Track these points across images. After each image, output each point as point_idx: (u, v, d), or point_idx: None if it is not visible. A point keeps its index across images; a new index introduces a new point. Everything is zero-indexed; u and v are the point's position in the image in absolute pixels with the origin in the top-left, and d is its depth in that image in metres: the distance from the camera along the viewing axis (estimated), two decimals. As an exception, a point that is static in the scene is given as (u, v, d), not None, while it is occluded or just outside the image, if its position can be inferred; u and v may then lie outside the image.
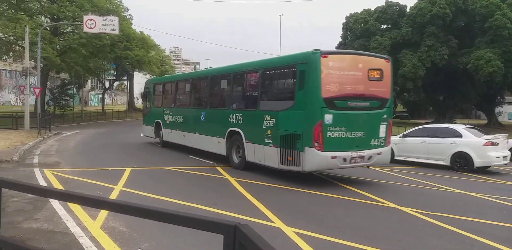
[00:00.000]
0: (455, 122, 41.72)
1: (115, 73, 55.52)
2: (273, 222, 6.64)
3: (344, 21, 47.69)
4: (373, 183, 11.00)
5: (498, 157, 13.25)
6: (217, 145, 13.04)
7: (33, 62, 30.09)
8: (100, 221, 6.42)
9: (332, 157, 9.20)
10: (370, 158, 9.86)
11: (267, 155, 10.47)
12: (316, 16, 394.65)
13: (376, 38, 41.32)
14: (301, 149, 9.22)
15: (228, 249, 1.56)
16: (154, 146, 18.92)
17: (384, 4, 45.07)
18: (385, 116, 10.08)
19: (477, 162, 13.28)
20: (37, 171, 11.20)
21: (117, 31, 27.86)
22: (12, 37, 32.10)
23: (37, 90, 25.32)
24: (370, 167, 11.27)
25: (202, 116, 14.21)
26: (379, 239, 6.10)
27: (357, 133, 9.54)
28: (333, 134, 9.17)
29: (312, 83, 9.05)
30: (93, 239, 5.59)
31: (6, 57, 35.93)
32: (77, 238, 5.64)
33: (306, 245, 5.53)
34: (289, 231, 6.18)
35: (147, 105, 20.06)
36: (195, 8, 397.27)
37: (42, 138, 20.59)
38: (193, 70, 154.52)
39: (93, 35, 31.24)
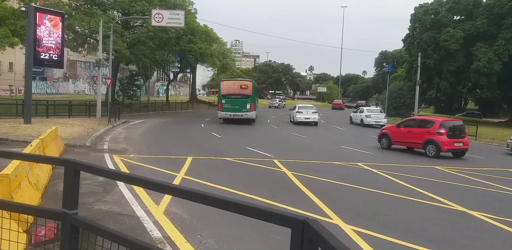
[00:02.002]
0: None
1: (179, 65, 57.38)
2: (331, 219, 6.51)
3: (413, 12, 45.37)
4: (439, 184, 10.42)
5: (300, 117, 29.96)
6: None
7: (105, 54, 32.02)
8: (163, 206, 6.70)
9: (225, 114, 27.01)
10: (242, 115, 26.78)
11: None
12: (382, 8, 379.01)
13: (448, 30, 38.84)
14: (218, 110, 28.22)
15: (296, 244, 1.52)
16: (214, 136, 19.42)
17: (458, -6, 42.09)
18: (249, 101, 26.94)
19: (294, 119, 30.45)
20: (107, 156, 11.94)
21: (182, 25, 28.75)
22: (87, 31, 34.31)
23: (109, 81, 26.94)
24: (436, 167, 12.69)
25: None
26: (445, 243, 5.77)
27: (235, 106, 26.71)
28: (225, 106, 26.97)
29: (220, 90, 28.01)
30: (156, 223, 5.85)
31: (82, 49, 38.42)
32: (142, 221, 5.93)
33: (366, 244, 5.36)
34: (347, 228, 6.03)
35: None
36: (257, 1, 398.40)
37: (111, 126, 21.92)
38: (253, 64, 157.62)
39: (160, 28, 32.50)
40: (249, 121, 27.96)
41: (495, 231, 6.52)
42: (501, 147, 22.01)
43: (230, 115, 26.80)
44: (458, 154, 16.29)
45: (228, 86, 27.62)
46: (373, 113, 32.28)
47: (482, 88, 43.50)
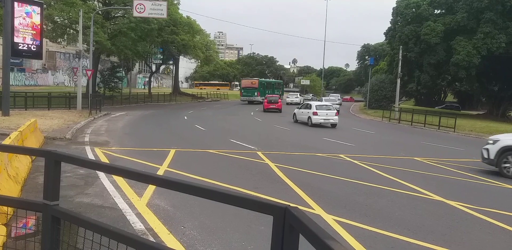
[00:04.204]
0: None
1: (162, 57, 56.70)
2: (313, 209, 6.62)
3: (395, 5, 45.77)
4: (418, 174, 10.67)
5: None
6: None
7: (85, 45, 31.38)
8: (146, 198, 6.68)
9: (244, 99, 51.25)
10: (252, 99, 49.71)
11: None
12: (365, 1, 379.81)
13: (429, 24, 39.34)
14: (240, 96, 53.42)
15: (278, 231, 1.56)
16: (198, 129, 19.35)
17: (439, -13, 42.49)
18: (256, 91, 50.01)
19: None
20: (88, 149, 11.79)
21: (164, 16, 28.31)
22: (67, 21, 33.50)
23: (89, 72, 26.46)
24: (415, 159, 13.22)
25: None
26: (423, 232, 5.93)
27: (248, 94, 50.51)
28: (243, 94, 51.46)
29: (240, 84, 58.93)
30: (139, 215, 5.84)
31: (61, 40, 37.52)
32: (124, 213, 5.90)
33: (347, 234, 5.48)
34: (329, 218, 6.14)
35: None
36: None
37: (92, 118, 21.59)
38: (237, 56, 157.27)
39: (142, 19, 31.97)
40: (258, 103, 44.86)
41: (471, 219, 6.74)
42: (479, 138, 22.59)
43: (246, 98, 49.07)
44: (275, 111, 35.20)
45: (245, 82, 51.35)
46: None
47: (461, 81, 44.34)
